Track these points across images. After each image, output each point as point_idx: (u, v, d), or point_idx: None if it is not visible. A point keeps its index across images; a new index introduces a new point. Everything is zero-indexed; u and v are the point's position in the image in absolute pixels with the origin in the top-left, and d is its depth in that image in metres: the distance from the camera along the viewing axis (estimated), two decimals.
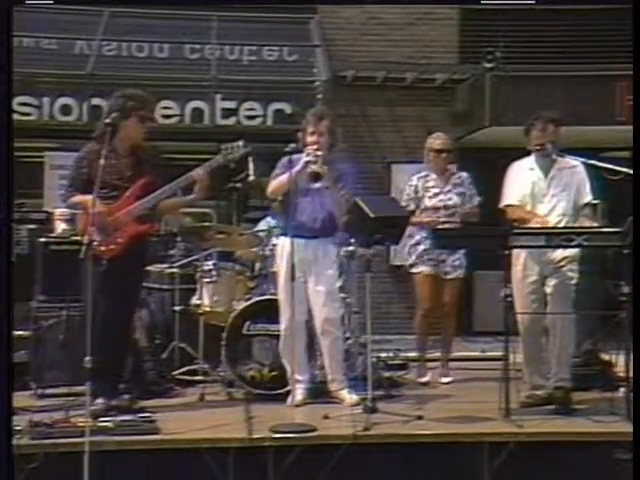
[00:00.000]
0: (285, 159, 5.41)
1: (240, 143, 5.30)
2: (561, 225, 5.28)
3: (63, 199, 5.34)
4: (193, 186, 5.21)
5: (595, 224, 5.35)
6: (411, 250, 6.31)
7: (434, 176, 6.33)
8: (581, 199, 5.40)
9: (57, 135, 9.58)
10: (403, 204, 6.21)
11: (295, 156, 5.34)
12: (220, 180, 5.50)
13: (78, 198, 5.14)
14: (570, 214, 5.37)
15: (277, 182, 5.44)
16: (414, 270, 6.32)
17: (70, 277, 5.36)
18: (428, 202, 6.27)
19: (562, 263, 5.31)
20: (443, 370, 6.41)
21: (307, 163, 5.27)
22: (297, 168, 5.28)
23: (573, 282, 5.36)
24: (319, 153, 5.29)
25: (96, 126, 5.23)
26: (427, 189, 6.30)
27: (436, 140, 6.39)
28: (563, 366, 5.31)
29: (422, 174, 6.37)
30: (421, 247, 6.24)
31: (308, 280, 5.45)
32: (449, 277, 6.27)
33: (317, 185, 5.37)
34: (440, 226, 6.04)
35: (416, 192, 6.32)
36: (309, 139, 5.38)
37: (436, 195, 6.28)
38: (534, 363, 5.44)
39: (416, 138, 10.36)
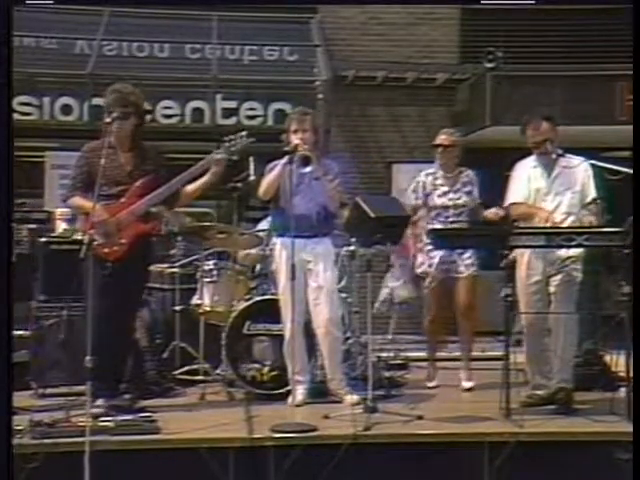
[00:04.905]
0: (272, 163, 5.52)
1: (243, 134, 5.32)
2: (565, 223, 5.27)
3: (63, 199, 5.35)
4: (203, 174, 5.21)
5: (599, 222, 5.34)
6: (427, 252, 6.14)
7: (443, 173, 6.23)
8: (586, 197, 5.38)
9: (58, 135, 9.60)
10: (409, 198, 6.21)
11: (281, 160, 5.41)
12: (221, 180, 5.51)
13: (78, 201, 5.15)
14: (575, 212, 5.34)
15: (266, 180, 5.50)
16: (422, 272, 6.20)
17: (71, 277, 5.35)
18: (437, 200, 6.16)
19: (566, 262, 5.29)
20: (465, 374, 6.17)
21: (294, 151, 5.30)
22: (283, 161, 5.34)
23: (577, 281, 5.35)
24: (305, 146, 5.34)
25: (98, 126, 5.24)
26: (436, 187, 6.21)
27: (441, 136, 6.32)
28: (565, 366, 5.30)
29: (431, 171, 6.27)
30: (428, 248, 6.09)
31: (307, 281, 5.46)
32: (461, 276, 6.10)
33: (308, 169, 5.38)
34: (448, 225, 6.01)
35: (424, 188, 6.21)
36: (293, 137, 5.43)
37: (445, 194, 6.17)
38: (537, 363, 5.43)
39: (416, 138, 10.46)
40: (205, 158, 5.22)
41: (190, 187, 5.27)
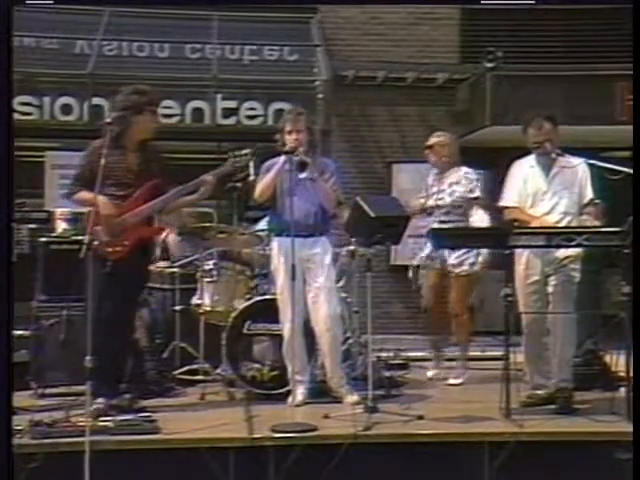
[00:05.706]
0: (266, 164, 5.52)
1: (248, 151, 5.35)
2: (562, 224, 5.27)
3: (68, 195, 5.30)
4: (197, 188, 5.25)
5: (598, 223, 5.35)
6: (423, 247, 6.31)
7: (436, 174, 6.40)
8: (584, 198, 5.39)
9: (58, 135, 9.60)
10: (418, 198, 6.39)
11: (275, 159, 5.42)
12: (221, 180, 5.53)
13: (84, 195, 5.13)
14: (572, 213, 5.34)
15: (262, 182, 5.50)
16: (420, 268, 6.34)
17: (71, 277, 5.36)
18: (429, 201, 6.33)
19: (565, 262, 5.29)
20: (456, 371, 6.30)
21: (291, 153, 5.29)
22: (280, 162, 5.35)
23: (575, 281, 5.35)
24: (301, 148, 5.33)
25: (100, 125, 5.23)
26: (432, 187, 6.37)
27: (431, 138, 6.44)
28: (564, 366, 5.31)
29: (434, 171, 6.45)
30: (427, 245, 6.23)
31: (305, 280, 5.46)
32: (453, 274, 6.21)
33: (304, 174, 5.37)
34: (435, 226, 6.05)
35: (426, 189, 6.41)
36: (288, 137, 5.42)
37: (433, 194, 6.32)
38: (536, 362, 5.43)
39: (417, 138, 10.38)
40: (199, 178, 5.23)
41: (176, 203, 5.30)
